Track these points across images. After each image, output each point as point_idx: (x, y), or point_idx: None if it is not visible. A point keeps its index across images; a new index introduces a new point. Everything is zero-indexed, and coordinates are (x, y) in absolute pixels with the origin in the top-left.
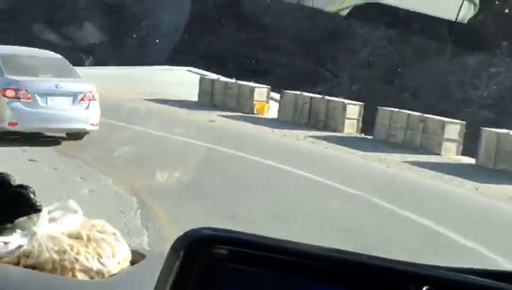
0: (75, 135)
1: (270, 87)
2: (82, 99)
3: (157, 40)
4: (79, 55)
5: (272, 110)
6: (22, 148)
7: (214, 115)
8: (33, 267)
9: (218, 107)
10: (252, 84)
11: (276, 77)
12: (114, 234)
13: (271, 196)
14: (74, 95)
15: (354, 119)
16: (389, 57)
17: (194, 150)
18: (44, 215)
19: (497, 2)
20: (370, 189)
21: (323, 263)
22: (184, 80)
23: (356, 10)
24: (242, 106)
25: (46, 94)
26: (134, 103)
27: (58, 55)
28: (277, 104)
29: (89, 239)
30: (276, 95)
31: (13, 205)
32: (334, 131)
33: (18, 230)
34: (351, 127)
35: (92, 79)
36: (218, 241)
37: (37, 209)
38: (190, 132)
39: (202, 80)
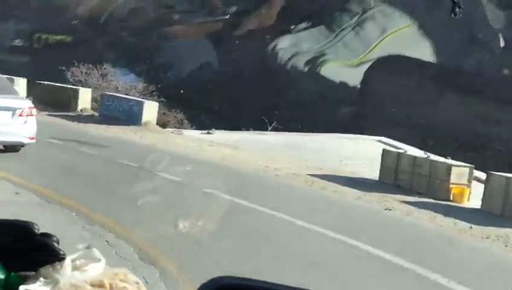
0: (12, 148)
1: (473, 166)
2: (20, 115)
3: (181, 91)
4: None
5: (475, 197)
6: None
7: (393, 201)
8: None
9: (403, 189)
10: (449, 161)
11: (494, 153)
12: (137, 283)
13: None
14: (13, 111)
15: None
16: None
17: (347, 258)
18: (67, 263)
19: None
20: None
21: None
22: (369, 153)
23: None
24: (434, 189)
25: None
26: (295, 179)
27: None
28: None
29: (111, 288)
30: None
31: (37, 253)
32: None
33: (41, 278)
34: None
35: (256, 149)
36: (241, 289)
37: (60, 258)
38: (350, 226)
39: (386, 153)
